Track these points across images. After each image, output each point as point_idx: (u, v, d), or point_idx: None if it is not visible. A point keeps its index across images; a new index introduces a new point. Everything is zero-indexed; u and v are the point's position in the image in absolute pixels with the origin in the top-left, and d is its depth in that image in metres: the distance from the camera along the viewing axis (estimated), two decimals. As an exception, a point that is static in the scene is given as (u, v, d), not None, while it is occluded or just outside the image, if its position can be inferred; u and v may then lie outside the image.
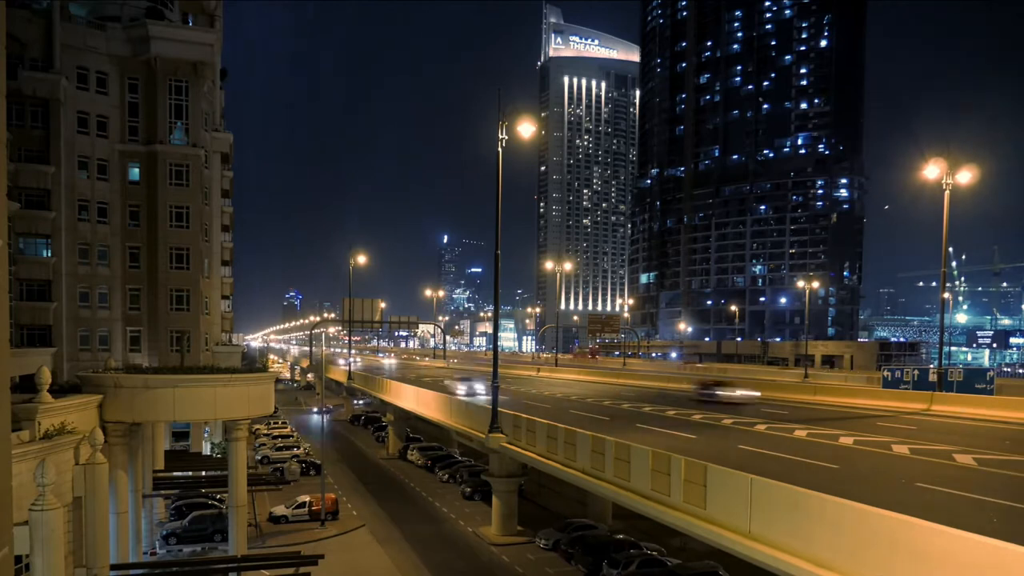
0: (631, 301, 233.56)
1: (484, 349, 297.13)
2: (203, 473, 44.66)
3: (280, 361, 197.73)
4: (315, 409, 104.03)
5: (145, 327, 47.63)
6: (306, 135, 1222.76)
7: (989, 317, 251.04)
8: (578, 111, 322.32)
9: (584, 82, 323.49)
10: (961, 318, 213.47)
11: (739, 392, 47.19)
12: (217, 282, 57.14)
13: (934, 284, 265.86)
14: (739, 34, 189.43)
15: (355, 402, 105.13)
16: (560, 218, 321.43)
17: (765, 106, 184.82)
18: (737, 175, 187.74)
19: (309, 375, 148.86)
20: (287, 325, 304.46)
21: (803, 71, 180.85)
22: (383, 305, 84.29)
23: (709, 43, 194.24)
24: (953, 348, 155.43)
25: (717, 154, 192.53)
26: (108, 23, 46.59)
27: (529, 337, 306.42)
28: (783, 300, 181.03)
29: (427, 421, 53.55)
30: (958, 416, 38.12)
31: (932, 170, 42.01)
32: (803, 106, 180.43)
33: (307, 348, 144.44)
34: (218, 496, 41.53)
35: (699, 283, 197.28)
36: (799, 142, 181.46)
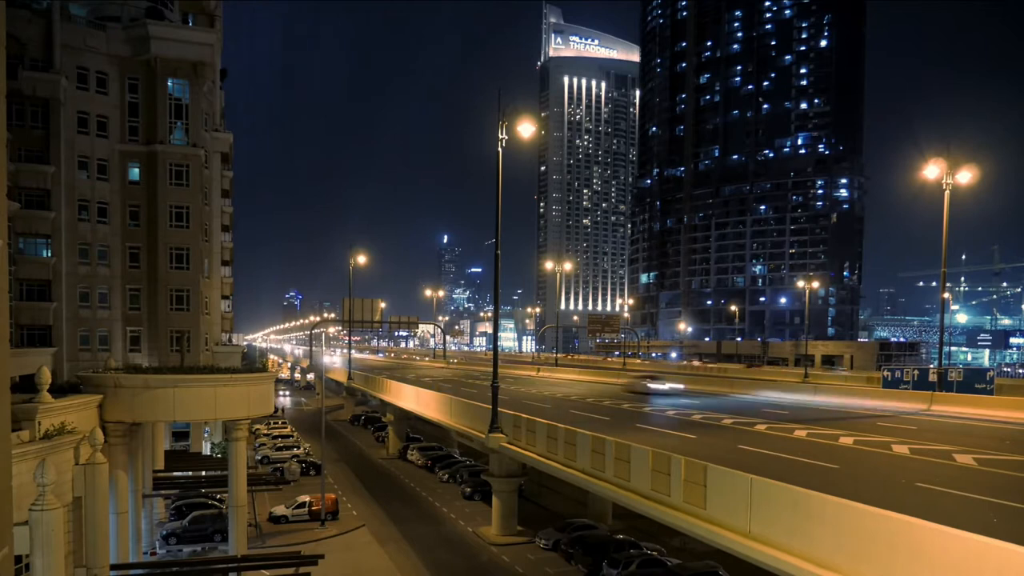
0: (631, 301, 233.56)
1: (484, 349, 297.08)
2: (203, 473, 44.66)
3: (281, 361, 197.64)
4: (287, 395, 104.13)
5: (145, 327, 47.61)
6: (306, 135, 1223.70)
7: (989, 317, 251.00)
8: (578, 111, 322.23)
9: (584, 82, 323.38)
10: (961, 318, 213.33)
11: (667, 385, 55.81)
12: (217, 282, 57.11)
13: (934, 284, 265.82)
14: (739, 34, 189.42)
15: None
16: (560, 218, 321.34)
17: (765, 106, 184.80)
18: (737, 175, 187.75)
19: (309, 375, 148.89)
20: (287, 325, 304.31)
21: (803, 71, 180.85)
22: (383, 305, 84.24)
23: (709, 43, 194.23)
24: (953, 348, 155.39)
25: (717, 154, 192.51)
26: (108, 23, 46.55)
27: (529, 337, 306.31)
28: (783, 300, 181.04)
29: (427, 421, 53.57)
30: (958, 416, 38.16)
31: (932, 170, 42.06)
32: (803, 106, 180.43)
33: (307, 348, 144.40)
34: (218, 496, 41.53)
35: (699, 283, 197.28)
36: (799, 142, 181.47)
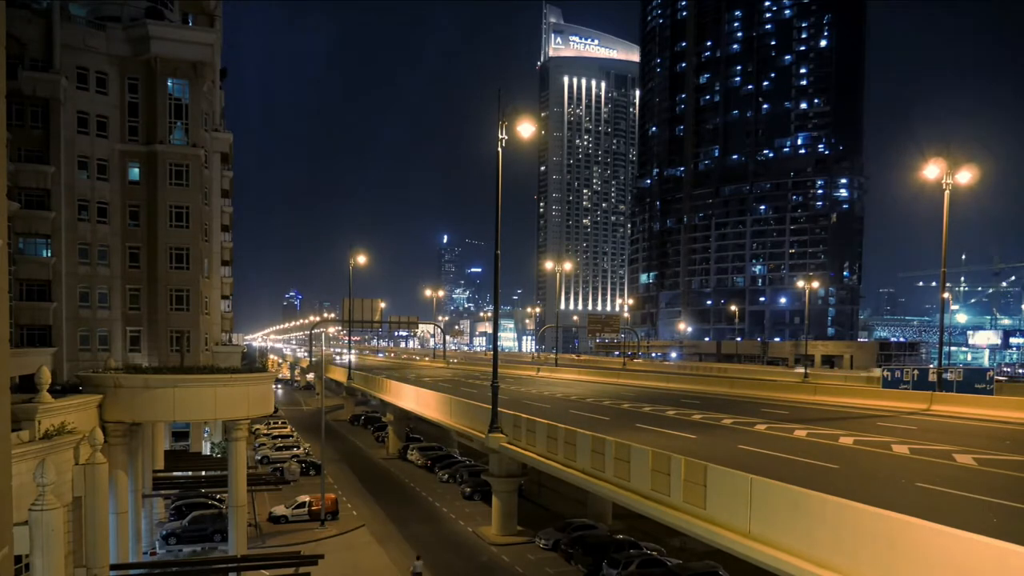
0: (631, 301, 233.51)
1: (484, 349, 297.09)
2: (203, 473, 44.65)
3: (281, 361, 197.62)
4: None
5: (145, 327, 47.62)
6: (306, 135, 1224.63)
7: (989, 317, 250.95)
8: (578, 111, 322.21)
9: (584, 82, 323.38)
10: (961, 318, 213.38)
11: None
12: (217, 282, 57.11)
13: (934, 284, 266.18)
14: (739, 34, 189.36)
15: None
16: (560, 218, 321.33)
17: (765, 106, 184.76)
18: (737, 175, 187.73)
19: (309, 375, 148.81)
20: (287, 325, 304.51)
21: (803, 71, 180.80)
22: (383, 305, 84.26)
23: (709, 43, 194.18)
24: (953, 348, 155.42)
25: (717, 154, 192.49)
26: (108, 23, 46.54)
27: (529, 337, 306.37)
28: (783, 300, 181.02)
29: (427, 421, 53.58)
30: (958, 416, 38.16)
31: (932, 170, 42.05)
32: (803, 106, 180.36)
33: (307, 348, 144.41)
34: (218, 496, 41.53)
35: (699, 283, 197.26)
36: (799, 142, 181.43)
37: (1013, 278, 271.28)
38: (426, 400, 51.70)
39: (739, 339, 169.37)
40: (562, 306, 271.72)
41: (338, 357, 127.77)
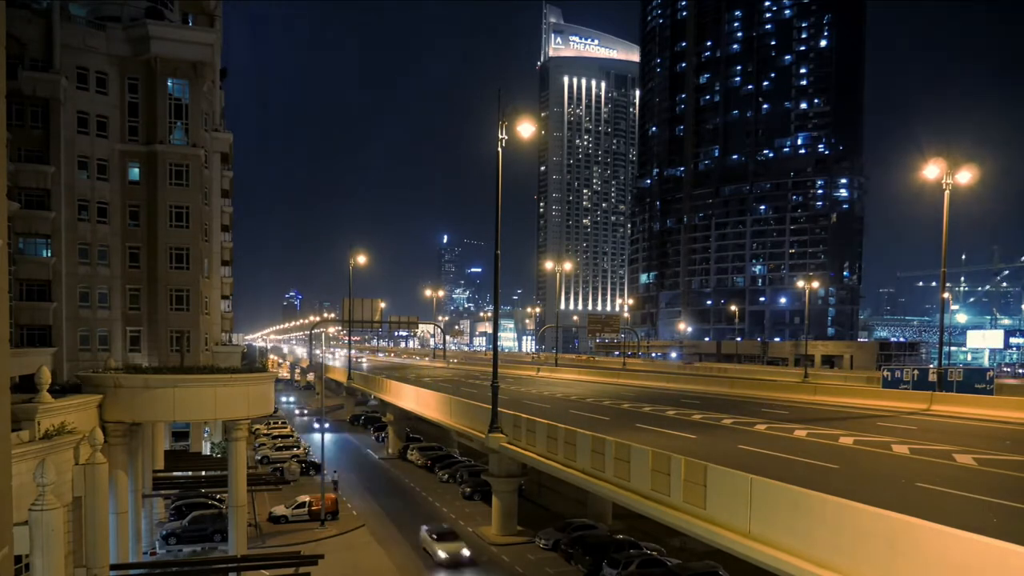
0: (631, 301, 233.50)
1: (484, 349, 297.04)
2: (203, 473, 44.65)
3: (281, 361, 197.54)
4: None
5: (145, 327, 47.61)
6: (306, 135, 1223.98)
7: (989, 317, 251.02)
8: (578, 111, 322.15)
9: (584, 82, 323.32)
10: (961, 318, 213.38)
11: None
12: (217, 282, 57.11)
13: (934, 284, 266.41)
14: (739, 34, 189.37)
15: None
16: (560, 218, 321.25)
17: (765, 106, 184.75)
18: (737, 175, 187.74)
19: (309, 375, 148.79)
20: (287, 325, 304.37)
21: (803, 71, 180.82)
22: (383, 305, 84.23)
23: (709, 43, 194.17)
24: (953, 348, 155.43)
25: (717, 154, 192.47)
26: (108, 23, 46.54)
27: (529, 337, 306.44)
28: (783, 300, 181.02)
29: (427, 421, 53.58)
30: (958, 416, 38.16)
31: (932, 170, 42.05)
32: (803, 106, 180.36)
33: (307, 348, 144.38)
34: (218, 496, 41.53)
35: (699, 283, 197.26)
36: (799, 142, 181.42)
37: (1008, 272, 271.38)
38: (426, 400, 51.70)
39: (739, 339, 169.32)
40: (562, 306, 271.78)
41: (329, 358, 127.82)
